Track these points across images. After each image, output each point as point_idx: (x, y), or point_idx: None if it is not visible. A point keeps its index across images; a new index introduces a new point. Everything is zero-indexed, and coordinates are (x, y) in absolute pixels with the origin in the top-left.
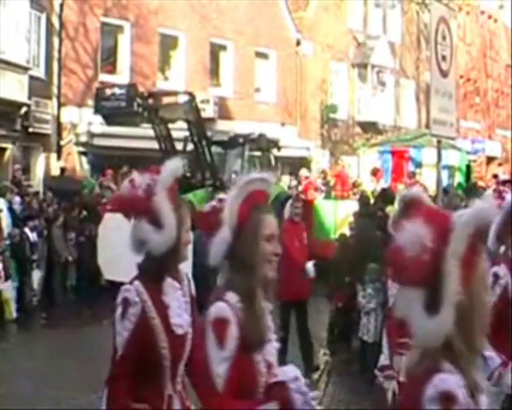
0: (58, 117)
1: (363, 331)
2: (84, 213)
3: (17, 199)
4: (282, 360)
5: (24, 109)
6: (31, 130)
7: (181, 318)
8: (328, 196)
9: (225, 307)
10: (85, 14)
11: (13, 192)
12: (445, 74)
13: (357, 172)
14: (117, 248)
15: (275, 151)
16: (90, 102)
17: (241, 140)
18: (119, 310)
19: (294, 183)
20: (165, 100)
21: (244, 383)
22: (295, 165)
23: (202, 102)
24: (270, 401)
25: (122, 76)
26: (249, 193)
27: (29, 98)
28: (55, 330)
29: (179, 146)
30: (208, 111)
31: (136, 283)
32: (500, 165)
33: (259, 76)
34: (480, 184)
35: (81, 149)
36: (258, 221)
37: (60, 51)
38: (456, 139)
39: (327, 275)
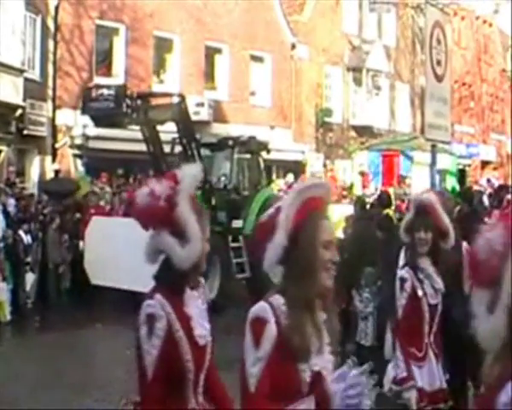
0: (53, 119)
1: (361, 336)
2: (78, 215)
3: (11, 201)
4: None
5: (19, 112)
6: (25, 132)
7: (203, 328)
8: None
9: (266, 307)
10: (81, 16)
11: (7, 194)
12: (439, 79)
13: (352, 176)
14: (104, 252)
15: (264, 154)
16: None
17: (230, 142)
18: (145, 328)
19: (284, 187)
20: (154, 101)
21: (283, 389)
22: (290, 168)
23: (197, 105)
24: (305, 397)
25: (117, 79)
26: (306, 199)
27: (24, 100)
28: (50, 332)
29: (167, 148)
30: (203, 114)
31: (158, 296)
32: (495, 169)
33: (254, 79)
34: (476, 188)
35: (76, 151)
36: (316, 227)
37: (55, 54)
38: (451, 143)
39: None
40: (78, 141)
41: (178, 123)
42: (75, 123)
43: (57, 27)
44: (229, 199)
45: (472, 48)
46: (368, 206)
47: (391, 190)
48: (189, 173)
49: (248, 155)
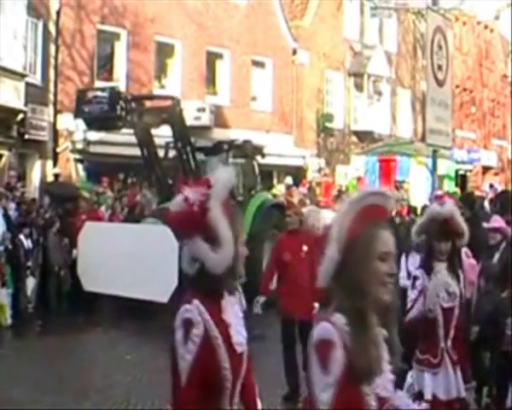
0: (54, 124)
1: None
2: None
3: (12, 205)
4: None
5: (20, 116)
6: (27, 137)
7: (241, 335)
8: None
9: (330, 328)
10: (82, 21)
11: (8, 199)
12: (441, 84)
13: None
14: (97, 258)
15: (259, 158)
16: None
17: (225, 146)
18: (181, 333)
19: (282, 191)
20: (149, 104)
21: None
22: (291, 174)
23: (198, 110)
24: None
25: (118, 83)
26: (363, 207)
27: (25, 105)
28: (50, 336)
29: (160, 153)
30: (204, 119)
31: (196, 301)
32: (496, 174)
33: (255, 85)
34: (477, 193)
35: (77, 156)
36: (372, 237)
37: (56, 58)
38: (452, 149)
39: None
40: (79, 145)
41: (173, 126)
42: (76, 128)
43: (59, 32)
44: None
45: (473, 53)
46: None
47: None
48: (222, 178)
49: (243, 160)
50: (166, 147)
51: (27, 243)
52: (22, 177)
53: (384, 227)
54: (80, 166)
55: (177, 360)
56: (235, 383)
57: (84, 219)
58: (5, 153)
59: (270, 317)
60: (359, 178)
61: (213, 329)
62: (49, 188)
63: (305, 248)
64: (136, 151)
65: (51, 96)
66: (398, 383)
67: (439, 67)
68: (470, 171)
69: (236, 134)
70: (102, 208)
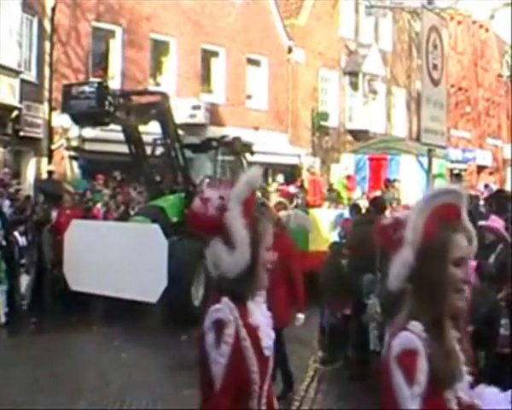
0: (49, 121)
1: (376, 342)
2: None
3: (6, 202)
4: None
5: (15, 113)
6: (22, 134)
7: (269, 338)
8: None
9: (412, 336)
10: (77, 18)
11: (2, 196)
12: (436, 83)
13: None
14: (84, 257)
15: (248, 156)
16: None
17: (214, 143)
18: (212, 335)
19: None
20: (138, 100)
21: None
22: (286, 172)
23: (194, 108)
24: None
25: (113, 81)
26: (437, 207)
27: (20, 102)
28: (45, 334)
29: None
30: (199, 117)
31: (225, 299)
32: (491, 174)
33: (251, 83)
34: (472, 193)
35: (72, 153)
36: (447, 242)
37: (51, 55)
38: (447, 148)
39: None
40: (74, 143)
41: (162, 122)
42: (71, 125)
43: (54, 29)
44: None
45: (468, 53)
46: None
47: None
48: (246, 178)
49: (232, 157)
50: (154, 144)
51: (22, 241)
52: (17, 174)
53: (458, 230)
54: (75, 164)
55: (207, 365)
56: (263, 386)
57: (69, 215)
58: (0, 150)
59: None
60: (349, 177)
61: (242, 331)
62: (42, 185)
63: (275, 254)
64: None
65: (46, 94)
66: None
67: (434, 67)
68: (465, 170)
69: (231, 132)
70: (98, 206)
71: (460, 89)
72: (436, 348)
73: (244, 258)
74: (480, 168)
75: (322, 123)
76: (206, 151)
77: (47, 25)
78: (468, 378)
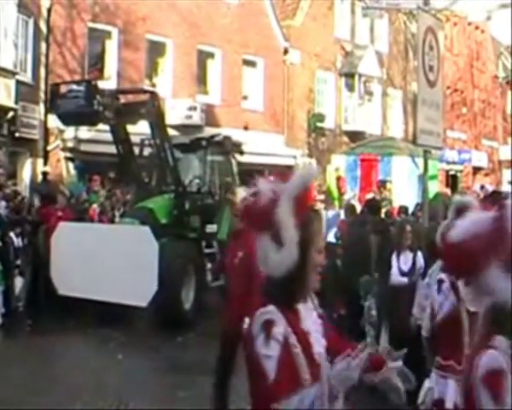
0: (45, 122)
1: (372, 342)
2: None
3: (2, 203)
4: None
5: (11, 114)
6: (17, 135)
7: (320, 344)
8: None
9: (498, 355)
10: (73, 19)
11: None
12: (432, 84)
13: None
14: (71, 260)
15: (238, 156)
16: None
17: (203, 143)
18: (261, 337)
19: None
20: (126, 99)
21: None
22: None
23: (189, 109)
24: None
25: (109, 82)
26: None
27: (16, 103)
28: (41, 336)
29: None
30: (195, 118)
31: (271, 307)
32: (486, 175)
33: (247, 84)
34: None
35: (68, 154)
36: None
37: (47, 56)
38: (443, 149)
39: None
40: (70, 144)
41: (151, 122)
42: (76, 127)
43: (49, 30)
44: (202, 203)
45: (464, 54)
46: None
47: (370, 196)
48: (301, 174)
49: (222, 157)
50: (142, 144)
51: (17, 242)
52: (13, 175)
53: None
54: (71, 165)
55: (260, 363)
56: None
57: (60, 217)
58: None
59: None
60: (339, 178)
61: (292, 337)
62: (37, 187)
63: (240, 254)
64: None
65: (42, 95)
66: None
67: (431, 68)
68: (461, 171)
69: (227, 133)
70: (94, 206)
71: (456, 90)
72: None
73: (291, 257)
74: (476, 169)
75: (318, 124)
76: (195, 151)
77: (43, 26)
78: None
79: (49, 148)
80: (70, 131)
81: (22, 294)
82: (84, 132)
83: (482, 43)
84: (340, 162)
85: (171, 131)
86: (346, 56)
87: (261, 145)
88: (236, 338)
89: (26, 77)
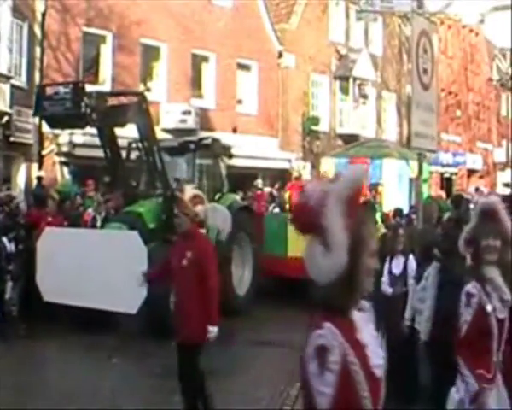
0: (40, 127)
1: None
2: (66, 223)
3: None
4: None
5: (5, 118)
6: (12, 139)
7: (378, 356)
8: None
9: None
10: (67, 23)
11: None
12: (426, 87)
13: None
14: (58, 266)
15: (226, 160)
16: None
17: (192, 146)
18: (315, 364)
19: (241, 194)
20: (114, 101)
21: None
22: (276, 177)
23: (184, 113)
24: None
25: (104, 86)
26: None
27: (10, 107)
28: (34, 340)
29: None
30: (190, 122)
31: (327, 324)
32: (481, 178)
33: (241, 88)
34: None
35: (62, 159)
36: None
37: (41, 61)
38: (438, 152)
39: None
40: (64, 148)
41: (139, 124)
42: (62, 130)
43: (44, 34)
44: None
45: (458, 57)
46: None
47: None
48: (349, 174)
49: (210, 160)
50: (129, 147)
51: (10, 247)
52: (7, 179)
53: None
54: (66, 169)
55: (312, 396)
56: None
57: (50, 222)
58: None
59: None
60: None
61: (350, 352)
62: (35, 191)
63: (188, 254)
64: (122, 154)
65: None
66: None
67: (425, 71)
68: (455, 174)
69: (222, 137)
70: (89, 211)
71: (450, 93)
72: None
73: (340, 261)
74: (471, 172)
75: (313, 127)
76: (183, 154)
77: (37, 30)
78: None
79: (43, 152)
80: (65, 136)
81: (15, 298)
82: (79, 137)
83: (476, 45)
84: (329, 165)
85: (166, 135)
86: (341, 60)
87: (256, 149)
88: (199, 348)
89: (21, 81)
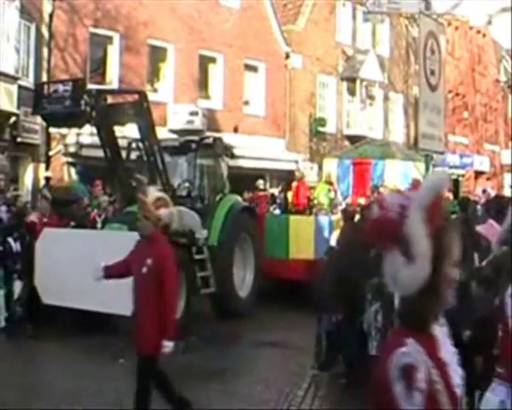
0: (47, 127)
1: (375, 345)
2: (73, 223)
3: (3, 208)
4: None
5: (13, 119)
6: (19, 140)
7: (458, 375)
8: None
9: None
10: (75, 24)
11: None
12: (433, 89)
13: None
14: (57, 268)
15: (228, 160)
16: None
17: (193, 145)
18: (401, 385)
19: (246, 195)
20: (115, 99)
21: None
22: (283, 178)
23: (191, 114)
24: None
25: (111, 87)
26: None
27: (18, 108)
28: (41, 340)
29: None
30: (197, 123)
31: (410, 340)
32: (488, 179)
33: (248, 89)
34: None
35: (70, 159)
36: None
37: (49, 61)
38: (445, 154)
39: (280, 294)
40: (71, 149)
41: (139, 123)
42: (69, 131)
43: (51, 35)
44: (192, 208)
45: (466, 58)
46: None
47: (361, 201)
48: (431, 180)
49: (212, 160)
50: (129, 147)
51: (16, 246)
52: (15, 180)
53: None
54: (73, 170)
55: None
56: None
57: (46, 223)
58: None
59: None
60: (330, 182)
61: (433, 372)
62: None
63: (148, 262)
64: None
65: None
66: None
67: (432, 72)
68: (463, 176)
69: (229, 138)
70: (96, 211)
71: (457, 94)
72: None
73: (424, 272)
74: (478, 174)
75: (320, 129)
76: (184, 153)
77: (45, 31)
78: None
79: (50, 153)
80: (72, 137)
81: (23, 299)
82: (86, 137)
83: (484, 47)
84: (331, 166)
85: (174, 136)
86: (348, 61)
87: (262, 150)
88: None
89: (28, 82)
